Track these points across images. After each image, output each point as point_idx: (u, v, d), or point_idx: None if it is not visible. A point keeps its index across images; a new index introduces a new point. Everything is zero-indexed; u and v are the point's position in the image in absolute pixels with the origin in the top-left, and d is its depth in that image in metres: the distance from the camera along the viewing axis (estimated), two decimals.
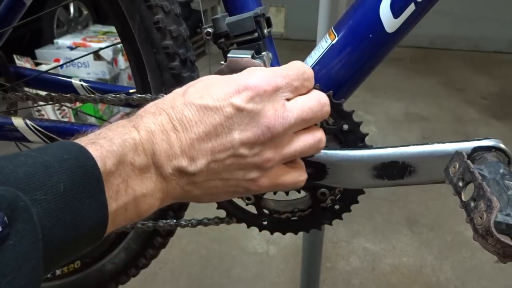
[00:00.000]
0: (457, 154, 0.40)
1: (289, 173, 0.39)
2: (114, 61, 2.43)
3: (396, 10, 0.48)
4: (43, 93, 0.65)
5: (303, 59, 0.57)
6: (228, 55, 0.51)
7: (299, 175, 0.40)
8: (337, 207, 0.55)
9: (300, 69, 0.38)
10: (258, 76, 0.35)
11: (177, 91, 0.36)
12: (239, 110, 0.33)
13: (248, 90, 0.34)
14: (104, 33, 2.65)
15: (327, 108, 0.39)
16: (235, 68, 0.49)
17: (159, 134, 0.33)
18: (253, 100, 0.34)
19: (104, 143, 0.30)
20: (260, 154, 0.35)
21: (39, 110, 2.10)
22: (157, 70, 0.59)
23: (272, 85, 0.35)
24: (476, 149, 0.43)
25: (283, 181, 0.38)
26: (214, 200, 0.39)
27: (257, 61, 0.51)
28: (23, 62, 2.12)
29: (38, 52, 2.43)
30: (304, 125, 0.38)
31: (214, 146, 0.33)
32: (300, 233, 0.58)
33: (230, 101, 0.34)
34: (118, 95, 0.58)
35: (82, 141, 0.30)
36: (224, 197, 0.38)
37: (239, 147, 0.34)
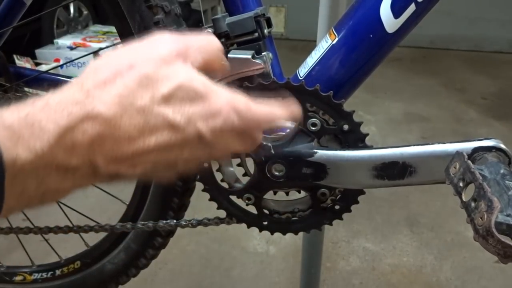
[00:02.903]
0: (458, 154, 0.40)
1: None
2: None
3: (396, 10, 0.48)
4: (43, 93, 0.64)
5: (303, 59, 0.57)
6: (228, 55, 0.51)
7: None
8: (337, 207, 0.55)
9: None
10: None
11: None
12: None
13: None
14: (104, 33, 2.65)
15: None
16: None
17: (107, 131, 0.29)
18: None
19: (30, 139, 0.27)
20: None
21: None
22: None
23: None
24: (476, 150, 0.43)
25: None
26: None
27: (257, 61, 0.51)
28: (23, 62, 2.12)
29: (38, 52, 2.42)
30: None
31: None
32: (300, 233, 0.58)
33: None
34: None
35: (9, 122, 0.27)
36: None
37: None
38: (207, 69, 0.35)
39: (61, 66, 2.32)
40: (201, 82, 0.33)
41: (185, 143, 0.32)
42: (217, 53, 0.37)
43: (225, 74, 0.47)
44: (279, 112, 0.38)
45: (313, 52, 0.55)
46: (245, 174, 0.57)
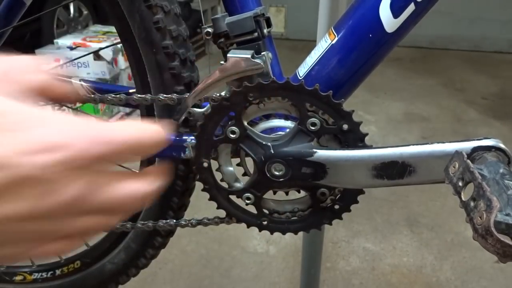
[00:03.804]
0: (457, 154, 0.40)
1: None
2: (114, 61, 2.43)
3: (396, 10, 0.48)
4: None
5: (303, 59, 0.57)
6: (228, 55, 0.51)
7: None
8: (337, 207, 0.55)
9: None
10: None
11: None
12: None
13: None
14: (104, 33, 2.65)
15: None
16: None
17: None
18: None
19: None
20: None
21: None
22: (157, 70, 0.59)
23: None
24: (476, 149, 0.43)
25: None
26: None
27: (256, 61, 0.51)
28: None
29: (38, 52, 2.42)
30: None
31: None
32: (300, 233, 0.58)
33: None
34: (118, 95, 0.58)
35: None
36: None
37: None
38: (45, 96, 0.30)
39: (61, 66, 2.32)
40: (17, 111, 0.24)
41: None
42: (40, 77, 0.30)
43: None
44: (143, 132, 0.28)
45: (312, 52, 0.55)
46: (244, 174, 0.57)
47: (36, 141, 0.23)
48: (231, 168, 0.56)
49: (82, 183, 0.25)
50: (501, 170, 0.37)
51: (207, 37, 0.54)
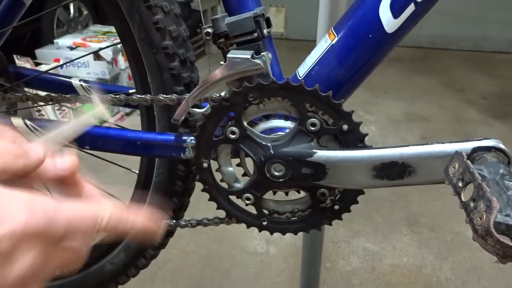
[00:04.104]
0: (457, 154, 0.40)
1: None
2: (114, 61, 2.43)
3: (395, 10, 0.48)
4: (43, 93, 0.65)
5: (303, 59, 0.57)
6: (228, 55, 0.51)
7: None
8: (336, 207, 0.54)
9: None
10: None
11: None
12: None
13: None
14: (104, 33, 2.65)
15: None
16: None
17: None
18: None
19: None
20: None
21: (39, 111, 2.10)
22: (157, 70, 0.59)
23: None
24: (475, 149, 0.43)
25: None
26: None
27: (256, 61, 0.51)
28: (23, 62, 2.12)
29: (38, 52, 2.42)
30: None
31: None
32: (300, 233, 0.58)
33: None
34: (118, 95, 0.58)
35: None
36: None
37: None
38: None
39: (61, 66, 2.32)
40: None
41: None
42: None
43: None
44: (106, 210, 0.30)
45: (312, 52, 0.55)
46: (244, 174, 0.57)
47: None
48: (231, 169, 0.56)
49: (35, 253, 0.26)
50: (501, 171, 0.37)
51: (207, 38, 0.54)
